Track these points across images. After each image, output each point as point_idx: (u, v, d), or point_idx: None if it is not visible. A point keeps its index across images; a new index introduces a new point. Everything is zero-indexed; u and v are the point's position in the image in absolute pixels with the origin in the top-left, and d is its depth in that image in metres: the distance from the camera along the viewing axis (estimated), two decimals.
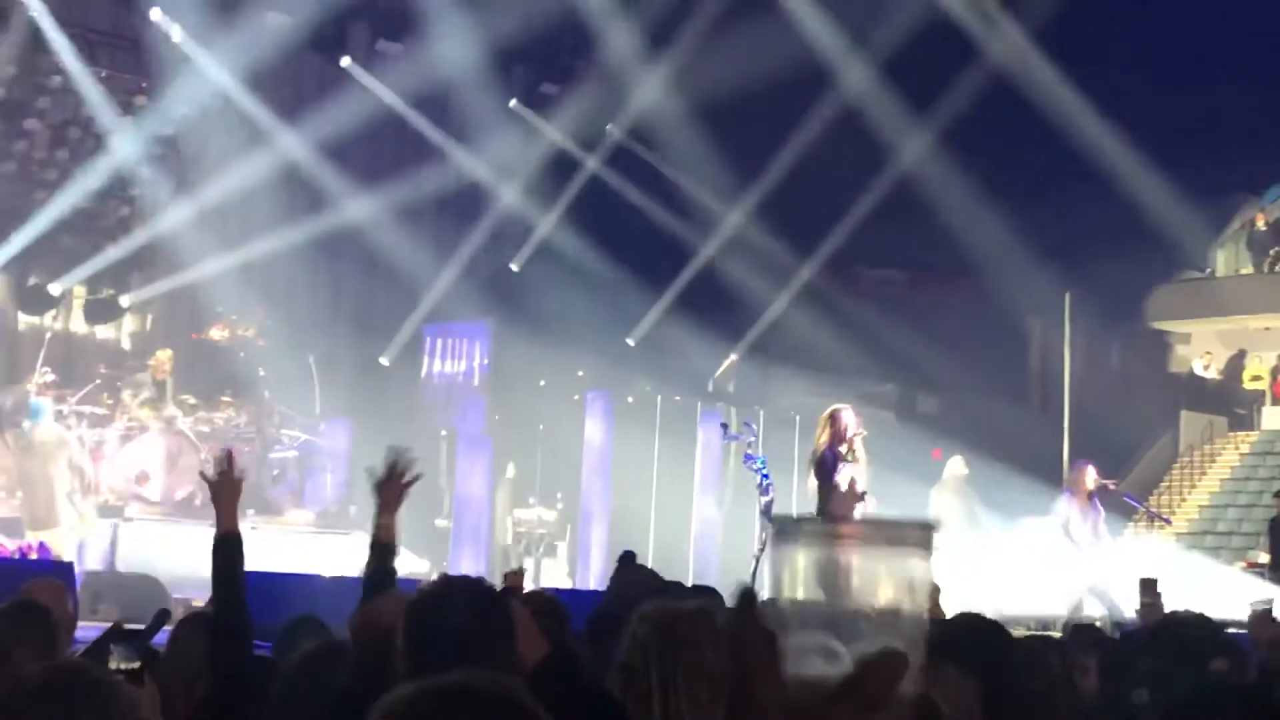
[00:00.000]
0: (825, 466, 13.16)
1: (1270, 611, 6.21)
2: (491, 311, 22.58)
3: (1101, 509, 15.16)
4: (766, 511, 13.74)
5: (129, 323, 21.65)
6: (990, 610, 5.01)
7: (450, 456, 20.98)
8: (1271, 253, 28.99)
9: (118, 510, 17.02)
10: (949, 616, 4.91)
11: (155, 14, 20.44)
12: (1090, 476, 15.11)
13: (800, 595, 1.76)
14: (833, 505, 13.16)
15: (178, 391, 18.41)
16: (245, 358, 19.68)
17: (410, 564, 17.73)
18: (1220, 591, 15.73)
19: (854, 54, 23.27)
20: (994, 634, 4.26)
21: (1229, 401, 28.53)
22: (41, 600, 5.99)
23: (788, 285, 25.58)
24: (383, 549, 5.96)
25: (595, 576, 20.02)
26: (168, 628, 6.42)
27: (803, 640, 1.70)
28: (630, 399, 22.26)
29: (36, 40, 19.76)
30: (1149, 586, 8.68)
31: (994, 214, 24.43)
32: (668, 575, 8.98)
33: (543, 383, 22.60)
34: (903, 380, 26.76)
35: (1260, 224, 29.36)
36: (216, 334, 19.81)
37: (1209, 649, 5.18)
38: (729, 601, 1.80)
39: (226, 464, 5.72)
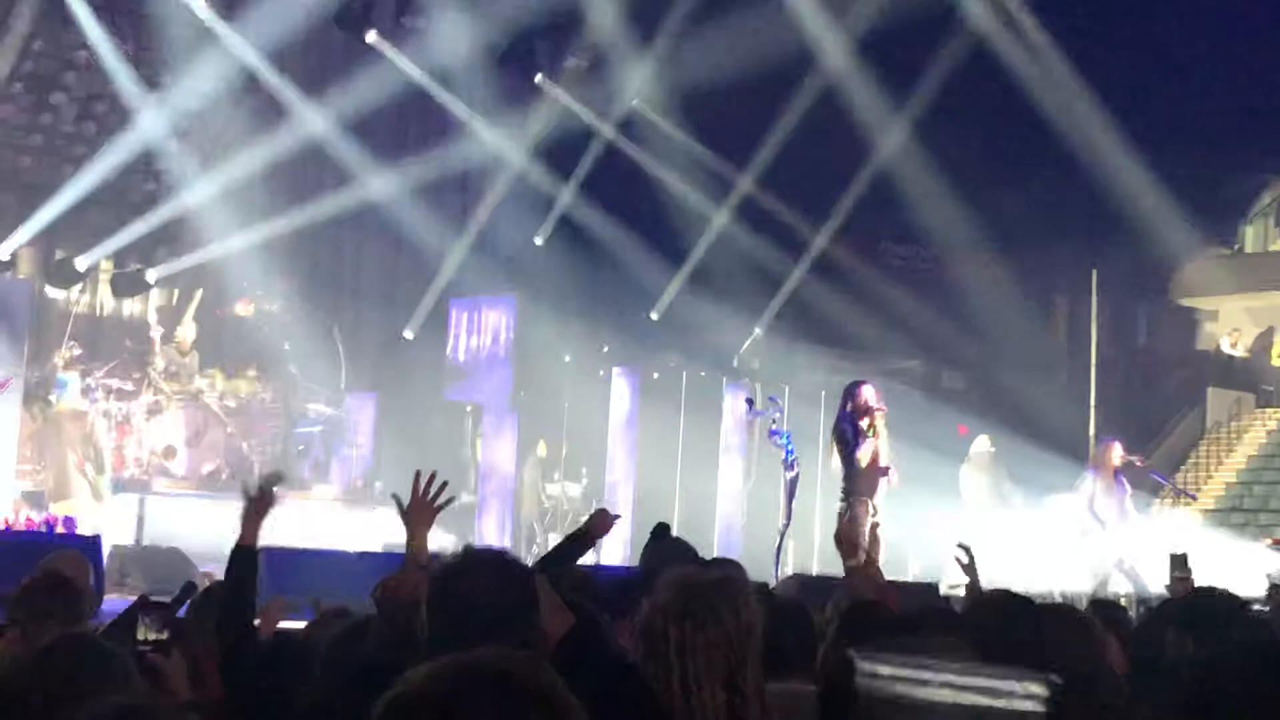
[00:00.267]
0: (846, 442, 13.15)
1: None
2: (516, 286, 22.57)
3: (1128, 485, 15.13)
4: (791, 487, 13.73)
5: (155, 297, 21.69)
6: (1017, 588, 4.97)
7: (475, 431, 20.99)
8: None
9: (144, 484, 17.07)
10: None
11: None
12: (1116, 453, 15.08)
13: None
14: (857, 482, 13.15)
15: (203, 366, 18.45)
16: (270, 332, 19.71)
17: (435, 538, 17.78)
18: (1246, 568, 15.68)
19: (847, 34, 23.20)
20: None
21: (1256, 378, 28.40)
22: (64, 572, 6.01)
23: (812, 260, 25.51)
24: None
25: (619, 552, 20.02)
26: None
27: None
28: (655, 375, 22.24)
29: (62, 15, 19.78)
30: (1180, 562, 8.66)
31: (1021, 189, 24.34)
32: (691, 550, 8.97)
33: (567, 358, 22.59)
34: (929, 357, 26.69)
35: None
36: (241, 309, 19.84)
37: (1237, 625, 5.15)
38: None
39: (267, 486, 5.78)
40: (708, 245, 24.75)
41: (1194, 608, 5.44)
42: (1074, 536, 15.09)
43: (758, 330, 25.15)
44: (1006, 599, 4.38)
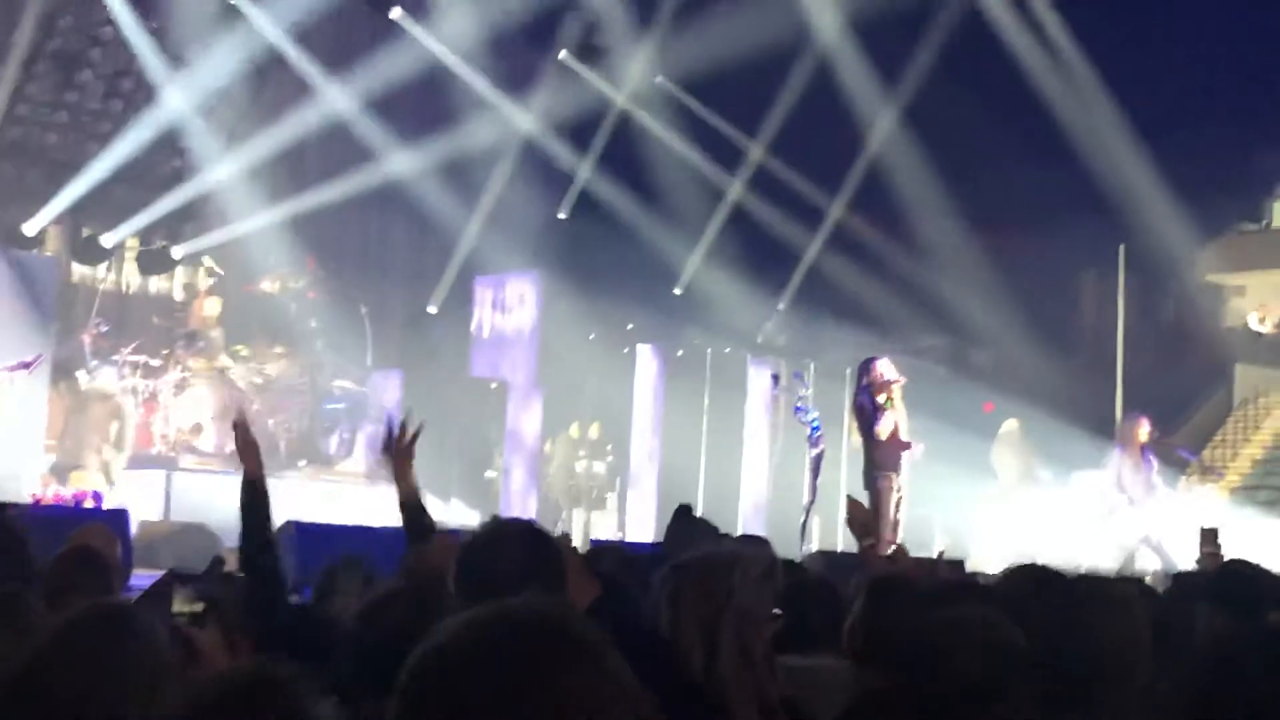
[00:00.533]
0: (865, 416, 13.15)
1: None
2: (540, 263, 22.57)
3: (1155, 462, 15.08)
4: (816, 463, 13.72)
5: (181, 274, 21.74)
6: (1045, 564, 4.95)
7: (500, 408, 21.01)
8: None
9: (171, 461, 17.14)
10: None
11: None
12: (1143, 429, 15.03)
13: None
14: (878, 455, 13.16)
15: (229, 343, 18.50)
16: (296, 309, 19.75)
17: (461, 515, 17.81)
18: (1273, 544, 15.63)
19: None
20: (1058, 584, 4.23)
21: None
22: (93, 545, 6.04)
23: (832, 234, 25.49)
24: (409, 509, 6.01)
25: (644, 529, 20.05)
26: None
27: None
28: (680, 352, 22.23)
29: None
30: (1210, 536, 8.64)
31: (1048, 166, 24.26)
32: (717, 527, 8.97)
33: (592, 336, 22.60)
34: (955, 334, 26.64)
35: None
36: (268, 286, 19.88)
37: (1267, 600, 5.13)
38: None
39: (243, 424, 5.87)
40: (727, 219, 24.75)
41: (1226, 581, 5.42)
42: (1101, 513, 15.05)
43: (781, 306, 25.14)
44: (1038, 571, 4.36)
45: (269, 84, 21.65)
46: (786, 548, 12.98)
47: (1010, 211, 25.04)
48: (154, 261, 21.23)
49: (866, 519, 6.51)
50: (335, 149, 21.84)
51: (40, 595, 5.71)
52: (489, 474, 20.44)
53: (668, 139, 24.64)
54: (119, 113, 20.32)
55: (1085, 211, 25.43)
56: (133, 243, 21.06)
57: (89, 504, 15.16)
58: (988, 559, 17.65)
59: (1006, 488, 20.22)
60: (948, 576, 6.70)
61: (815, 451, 13.70)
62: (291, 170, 21.50)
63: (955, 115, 23.70)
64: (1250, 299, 29.97)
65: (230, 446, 17.23)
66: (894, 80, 23.82)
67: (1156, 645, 3.93)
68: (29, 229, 19.50)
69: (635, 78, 24.24)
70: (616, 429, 21.96)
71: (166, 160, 20.85)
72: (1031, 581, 4.25)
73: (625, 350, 22.33)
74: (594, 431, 22.05)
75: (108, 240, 20.28)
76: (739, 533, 15.47)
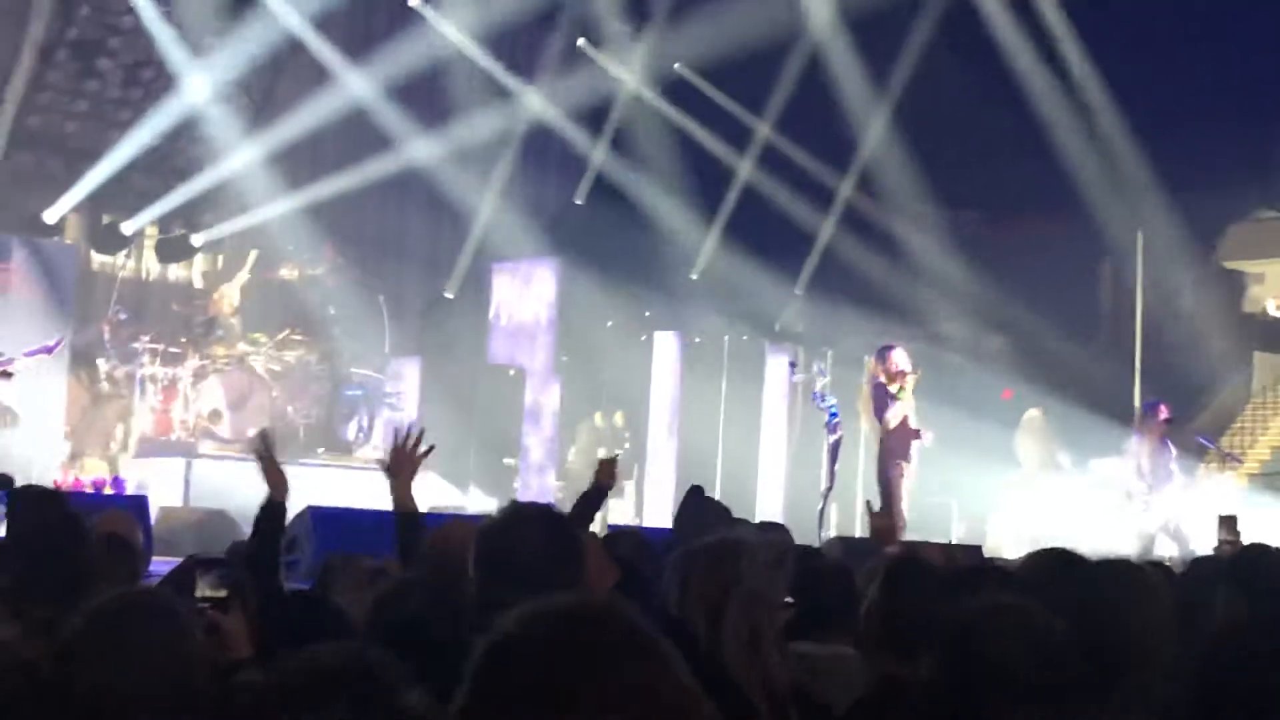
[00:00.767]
0: (876, 403, 13.23)
1: None
2: (558, 249, 22.59)
3: (1173, 449, 15.06)
4: (834, 450, 13.75)
5: (200, 262, 21.80)
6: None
7: (518, 395, 21.03)
8: None
9: (190, 448, 17.19)
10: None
11: None
12: (1162, 416, 15.00)
13: None
14: (889, 442, 13.23)
15: (248, 330, 18.54)
16: (315, 297, 19.79)
17: (479, 502, 17.86)
18: None
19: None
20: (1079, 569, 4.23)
21: None
22: (117, 531, 6.06)
23: (851, 218, 25.47)
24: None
25: (662, 515, 20.06)
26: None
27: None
28: (697, 339, 22.24)
29: None
30: (1229, 523, 8.63)
31: (1065, 153, 24.20)
32: (735, 514, 8.99)
33: (610, 323, 22.61)
34: (973, 320, 26.59)
35: None
36: (286, 273, 19.91)
37: None
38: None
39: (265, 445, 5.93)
40: (742, 203, 24.78)
41: (1245, 566, 5.42)
42: (1120, 500, 15.04)
43: (798, 291, 25.14)
44: (1060, 556, 4.35)
45: (287, 71, 21.68)
46: (805, 534, 13.02)
47: (1028, 199, 24.98)
48: (173, 249, 21.28)
49: (888, 525, 6.54)
50: (353, 136, 21.86)
51: None
52: (507, 461, 20.46)
53: (681, 122, 24.64)
54: (139, 101, 20.36)
55: (1103, 199, 25.36)
56: (152, 230, 21.11)
57: (109, 490, 15.23)
58: (1006, 545, 17.66)
59: (1028, 475, 20.23)
60: (965, 561, 6.71)
61: (833, 438, 13.72)
62: (310, 157, 21.52)
63: (968, 100, 23.65)
64: (1269, 286, 29.89)
65: (252, 430, 17.32)
66: (904, 66, 23.79)
67: (1177, 631, 3.93)
68: (49, 217, 19.56)
69: (648, 62, 24.21)
70: (634, 416, 21.99)
71: (186, 148, 20.89)
72: (1055, 566, 4.25)
73: (642, 337, 22.35)
74: (618, 420, 22.09)
75: (127, 228, 20.33)
76: (757, 520, 15.48)
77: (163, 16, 19.77)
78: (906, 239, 25.46)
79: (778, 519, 19.11)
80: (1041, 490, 19.70)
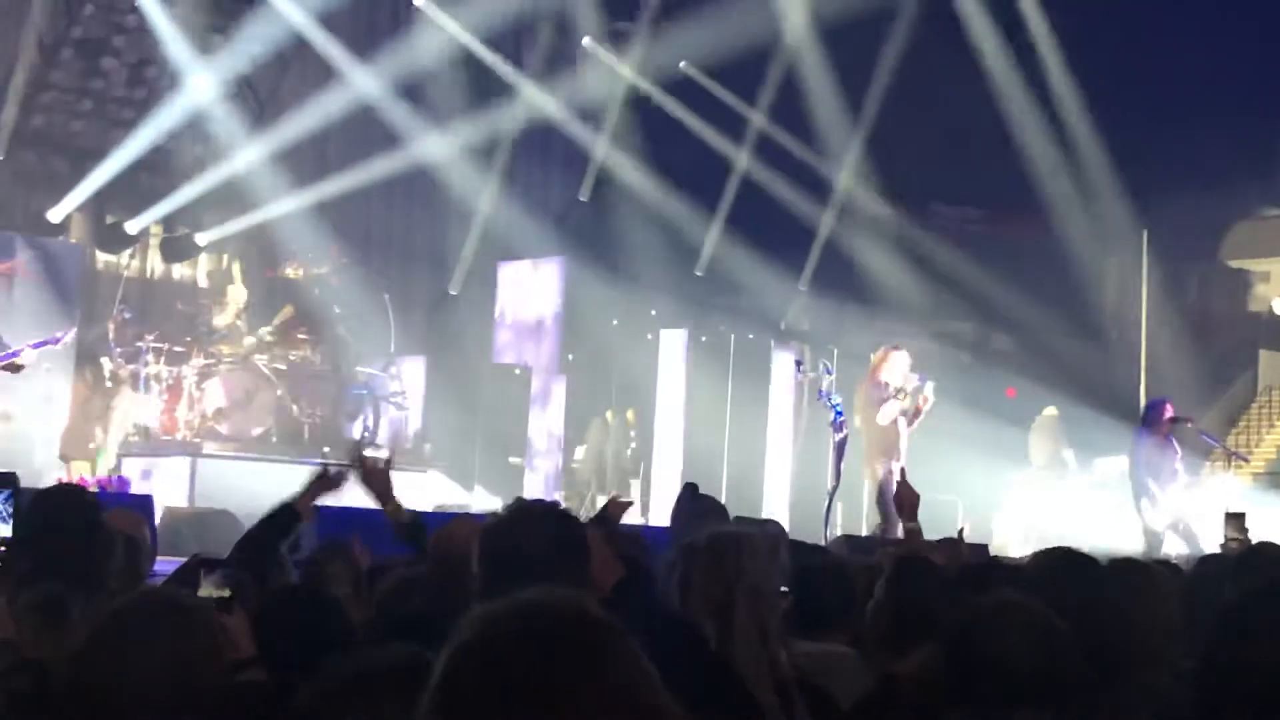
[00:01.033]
0: (871, 396, 13.33)
1: None
2: (564, 248, 22.59)
3: (1179, 447, 15.03)
4: (840, 448, 13.73)
5: (205, 261, 21.80)
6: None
7: (524, 394, 21.02)
8: None
9: (195, 447, 17.18)
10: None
11: None
12: (1167, 415, 14.97)
13: None
14: (881, 441, 13.34)
15: (253, 329, 18.52)
16: (320, 296, 19.77)
17: (483, 500, 17.85)
18: None
19: None
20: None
21: None
22: (125, 529, 6.06)
23: (860, 221, 25.47)
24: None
25: (668, 514, 20.03)
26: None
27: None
28: (703, 338, 22.24)
29: None
30: (1237, 521, 8.58)
31: (1072, 151, 24.20)
32: (740, 512, 8.98)
33: (615, 322, 22.61)
34: (978, 319, 26.59)
35: None
36: (291, 272, 19.90)
37: None
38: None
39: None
40: (744, 198, 24.81)
41: (1253, 562, 5.40)
42: (1125, 498, 15.02)
43: (802, 287, 25.15)
44: (1068, 554, 4.34)
45: (293, 70, 21.69)
46: (811, 532, 13.01)
47: (1033, 196, 24.97)
48: (178, 249, 21.28)
49: (914, 501, 6.52)
50: (358, 134, 21.86)
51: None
52: (512, 459, 20.45)
53: (685, 118, 24.66)
54: (143, 100, 20.36)
55: (1109, 196, 25.35)
56: (156, 230, 21.12)
57: (112, 489, 15.22)
58: (1012, 543, 17.65)
59: (1033, 473, 20.23)
60: (970, 559, 6.69)
61: (839, 436, 13.71)
62: (315, 156, 21.53)
63: (975, 96, 23.65)
64: (1274, 284, 29.87)
65: (257, 429, 17.32)
66: (912, 58, 23.78)
67: (1185, 629, 3.92)
68: (54, 216, 19.58)
69: (661, 63, 24.21)
70: (640, 414, 21.98)
71: (190, 147, 20.90)
72: (1063, 565, 4.23)
73: (648, 336, 22.34)
74: (630, 417, 22.08)
75: (132, 227, 20.33)
76: (762, 517, 15.47)
77: (168, 14, 19.77)
78: (912, 236, 25.46)
79: (783, 517, 19.17)
80: (1047, 489, 19.68)
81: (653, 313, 22.91)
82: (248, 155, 20.44)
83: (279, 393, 17.65)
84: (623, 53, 24.23)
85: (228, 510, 14.39)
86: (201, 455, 17.00)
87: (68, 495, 6.43)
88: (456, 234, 23.60)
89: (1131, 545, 14.28)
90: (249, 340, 18.18)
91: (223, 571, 5.97)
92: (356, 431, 18.49)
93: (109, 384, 16.81)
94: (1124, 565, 4.17)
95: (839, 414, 13.74)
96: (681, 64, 24.36)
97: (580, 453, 22.02)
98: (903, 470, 7.68)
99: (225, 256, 21.47)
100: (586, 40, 24.06)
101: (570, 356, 22.15)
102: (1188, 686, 3.32)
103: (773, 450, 21.45)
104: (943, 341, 24.19)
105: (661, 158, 24.22)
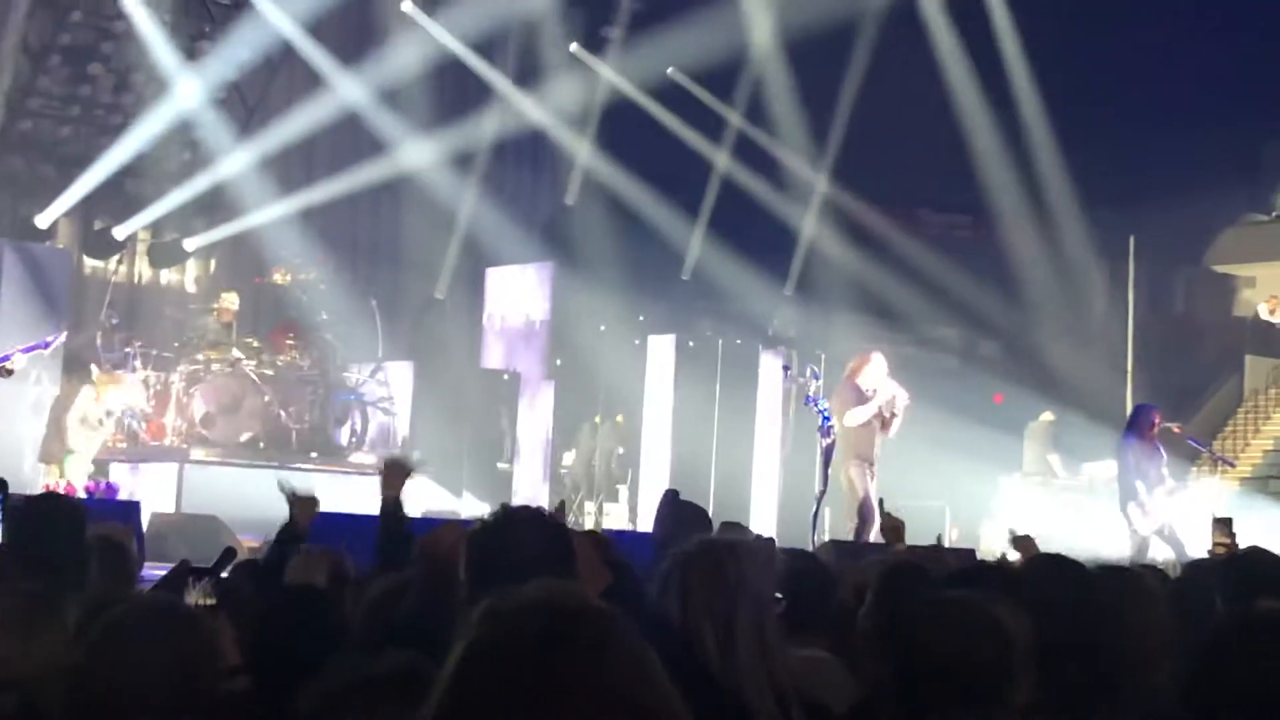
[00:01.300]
0: (846, 399, 13.38)
1: None
2: (552, 253, 22.61)
3: (1164, 452, 15.05)
4: (827, 454, 13.75)
5: (193, 267, 21.79)
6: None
7: (512, 400, 21.02)
8: None
9: (182, 453, 17.15)
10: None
11: None
12: (1154, 420, 15.00)
13: None
14: (854, 442, 13.38)
15: (242, 335, 18.50)
16: (307, 301, 19.76)
17: (472, 506, 17.83)
18: None
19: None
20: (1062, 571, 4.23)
21: None
22: (114, 537, 6.05)
23: (847, 227, 25.52)
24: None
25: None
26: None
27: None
28: (691, 343, 22.25)
29: None
30: (1223, 526, 8.57)
31: (1058, 157, 24.25)
32: (728, 518, 8.97)
33: (603, 328, 22.62)
34: (966, 324, 26.63)
35: None
36: (279, 278, 19.88)
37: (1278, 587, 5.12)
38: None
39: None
40: (728, 203, 24.88)
41: (1241, 569, 5.41)
42: (1112, 503, 15.04)
43: (787, 291, 25.19)
44: (1059, 560, 4.35)
45: (280, 76, 21.69)
46: (798, 537, 13.03)
47: (1021, 202, 25.02)
48: (165, 254, 21.26)
49: (899, 526, 6.54)
50: (346, 141, 21.87)
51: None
52: (500, 465, 20.45)
53: (671, 124, 24.70)
54: (130, 106, 20.35)
55: (1095, 203, 25.42)
56: (144, 235, 21.11)
57: (100, 495, 15.18)
58: (1000, 549, 17.66)
59: (1021, 478, 20.27)
60: (956, 564, 6.69)
61: (827, 442, 13.72)
62: (303, 162, 21.53)
63: (972, 108, 23.71)
64: (1260, 290, 29.91)
65: (244, 435, 17.28)
66: (893, 65, 23.85)
67: (1174, 634, 3.93)
68: (41, 222, 19.56)
69: (648, 69, 24.23)
70: (628, 420, 21.99)
71: (178, 153, 20.88)
72: (1056, 572, 4.24)
73: (636, 341, 22.35)
74: (619, 422, 22.08)
75: (119, 233, 20.32)
76: (751, 523, 15.49)
77: (156, 21, 19.76)
78: (898, 243, 25.50)
79: (771, 522, 19.19)
80: (1035, 494, 19.72)
81: (640, 318, 22.92)
82: (235, 161, 20.43)
83: (266, 398, 17.62)
84: (606, 58, 24.27)
85: (215, 516, 14.37)
86: (189, 461, 16.97)
87: (46, 504, 6.42)
88: (444, 240, 23.61)
89: (1118, 550, 14.32)
90: (237, 347, 18.15)
91: (210, 580, 5.97)
92: (344, 438, 18.47)
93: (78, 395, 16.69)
94: (1112, 571, 4.18)
95: (826, 419, 13.75)
96: (669, 70, 24.40)
97: (569, 458, 22.01)
98: (881, 502, 7.70)
99: (213, 262, 21.47)
100: (574, 47, 24.09)
101: (558, 362, 22.16)
102: (1179, 695, 3.33)
103: (760, 455, 21.45)
104: (930, 347, 24.24)
105: (644, 162, 24.25)
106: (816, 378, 14.61)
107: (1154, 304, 28.77)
